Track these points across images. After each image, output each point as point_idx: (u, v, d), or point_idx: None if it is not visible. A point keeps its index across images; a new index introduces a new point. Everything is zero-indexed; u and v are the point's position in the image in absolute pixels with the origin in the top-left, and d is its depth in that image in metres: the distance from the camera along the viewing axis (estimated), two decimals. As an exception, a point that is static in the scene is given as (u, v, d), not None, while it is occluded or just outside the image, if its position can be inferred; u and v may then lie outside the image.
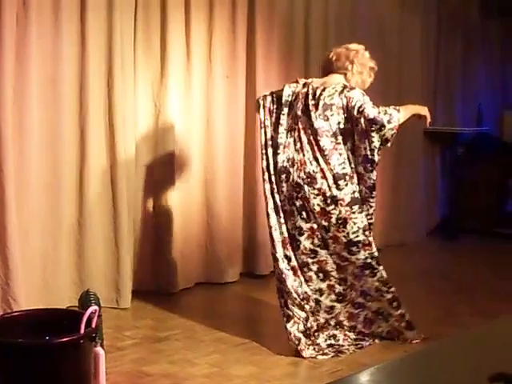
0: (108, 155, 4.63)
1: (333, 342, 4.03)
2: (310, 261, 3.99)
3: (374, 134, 3.83)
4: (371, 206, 3.98)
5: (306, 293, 4.00)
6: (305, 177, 3.89)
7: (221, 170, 5.22)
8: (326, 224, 3.91)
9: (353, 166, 3.93)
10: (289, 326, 3.95)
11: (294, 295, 3.96)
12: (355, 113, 3.85)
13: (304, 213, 3.94)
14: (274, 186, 4.00)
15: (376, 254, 4.01)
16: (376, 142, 3.84)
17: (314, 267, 4.00)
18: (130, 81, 4.74)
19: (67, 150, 4.47)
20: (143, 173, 4.90)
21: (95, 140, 4.57)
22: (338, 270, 4.02)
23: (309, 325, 3.99)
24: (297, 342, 3.92)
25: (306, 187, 3.89)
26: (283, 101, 4.00)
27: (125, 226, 4.66)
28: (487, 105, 7.59)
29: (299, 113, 3.97)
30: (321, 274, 4.01)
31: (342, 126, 3.90)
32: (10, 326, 2.99)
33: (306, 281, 4.01)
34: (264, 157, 4.02)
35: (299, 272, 4.00)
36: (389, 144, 3.89)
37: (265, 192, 4.02)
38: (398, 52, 6.58)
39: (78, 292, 3.82)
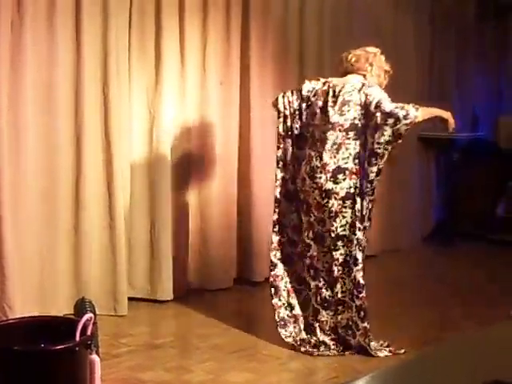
0: (103, 162, 4.62)
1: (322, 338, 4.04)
2: (306, 254, 4.08)
3: (387, 128, 3.83)
4: (370, 201, 3.96)
5: (304, 279, 4.11)
6: (309, 171, 3.99)
7: (215, 176, 5.23)
8: (322, 216, 3.97)
9: (358, 162, 3.92)
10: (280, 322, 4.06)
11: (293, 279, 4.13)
12: (372, 108, 3.88)
13: (304, 205, 4.04)
14: (288, 174, 4.13)
15: (356, 254, 3.91)
16: (386, 136, 3.83)
17: (307, 261, 4.08)
18: (124, 87, 4.75)
19: (63, 156, 4.47)
20: (138, 179, 4.90)
21: (91, 146, 4.56)
22: (327, 272, 4.02)
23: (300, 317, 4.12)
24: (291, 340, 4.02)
25: (307, 181, 3.98)
26: (303, 95, 4.10)
27: (121, 233, 4.65)
28: (482, 108, 7.56)
29: (317, 109, 4.03)
30: (311, 271, 4.07)
31: (357, 121, 3.93)
32: (6, 333, 2.98)
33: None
34: (281, 146, 4.13)
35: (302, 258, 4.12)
36: (400, 140, 3.88)
37: (276, 178, 4.14)
38: (392, 52, 6.55)
39: (74, 299, 3.81)
